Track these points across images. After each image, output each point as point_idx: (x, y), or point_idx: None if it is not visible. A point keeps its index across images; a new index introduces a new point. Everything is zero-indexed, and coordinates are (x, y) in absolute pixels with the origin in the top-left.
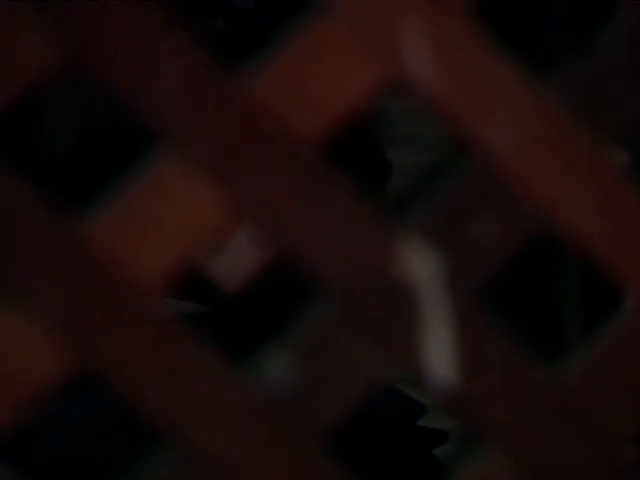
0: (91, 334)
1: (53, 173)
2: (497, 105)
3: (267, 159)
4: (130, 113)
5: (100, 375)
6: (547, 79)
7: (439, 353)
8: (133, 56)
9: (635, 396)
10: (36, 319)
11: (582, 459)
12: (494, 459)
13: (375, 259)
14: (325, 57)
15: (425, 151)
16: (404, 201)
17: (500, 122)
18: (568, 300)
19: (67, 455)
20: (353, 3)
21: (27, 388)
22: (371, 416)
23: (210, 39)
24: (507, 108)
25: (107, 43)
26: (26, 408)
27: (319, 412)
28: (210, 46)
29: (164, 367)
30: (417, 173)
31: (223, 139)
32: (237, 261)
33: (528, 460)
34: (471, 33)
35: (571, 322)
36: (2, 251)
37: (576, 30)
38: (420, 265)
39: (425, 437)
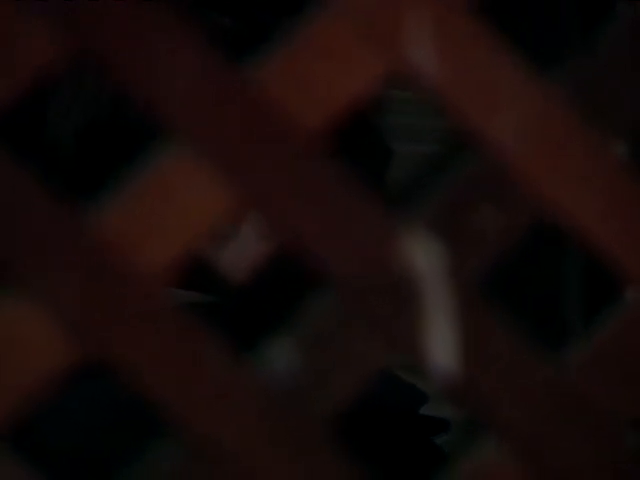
0: (97, 325)
1: (58, 167)
2: (502, 100)
3: (271, 154)
4: (134, 109)
5: (106, 367)
6: (550, 76)
7: (442, 344)
8: (133, 55)
9: (635, 387)
10: (42, 310)
11: (583, 450)
12: (496, 448)
13: (378, 251)
14: (329, 52)
15: (418, 141)
16: (406, 193)
17: (505, 117)
18: (569, 291)
19: (67, 448)
20: None
21: (32, 379)
22: (372, 404)
23: (214, 35)
24: (512, 104)
25: (107, 43)
26: (31, 399)
27: (323, 402)
28: (214, 42)
29: (170, 359)
30: (414, 164)
31: (227, 134)
32: (244, 253)
33: (531, 450)
34: (476, 29)
35: (572, 313)
36: (7, 242)
37: (579, 27)
38: (423, 257)
39: (427, 425)
